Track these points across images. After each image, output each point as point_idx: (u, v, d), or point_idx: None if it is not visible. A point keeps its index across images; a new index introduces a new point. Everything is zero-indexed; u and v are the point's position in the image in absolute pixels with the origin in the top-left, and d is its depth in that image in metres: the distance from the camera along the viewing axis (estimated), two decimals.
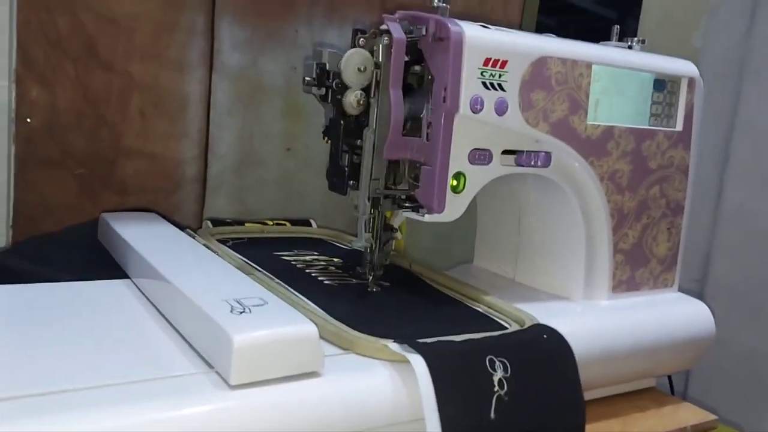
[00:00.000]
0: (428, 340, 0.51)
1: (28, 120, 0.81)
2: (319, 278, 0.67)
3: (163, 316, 0.56)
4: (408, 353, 0.49)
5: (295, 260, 0.72)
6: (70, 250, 0.75)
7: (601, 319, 0.66)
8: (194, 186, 0.92)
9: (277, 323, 0.47)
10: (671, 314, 0.69)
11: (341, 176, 0.62)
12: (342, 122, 0.62)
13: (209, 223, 0.83)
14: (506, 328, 0.58)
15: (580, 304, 0.68)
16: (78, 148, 0.84)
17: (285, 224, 0.86)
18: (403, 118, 0.60)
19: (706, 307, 0.71)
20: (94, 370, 0.46)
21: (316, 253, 0.76)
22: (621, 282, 0.69)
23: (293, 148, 0.96)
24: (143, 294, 0.61)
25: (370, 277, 0.66)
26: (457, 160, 0.59)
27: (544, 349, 0.54)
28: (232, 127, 0.92)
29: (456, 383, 0.48)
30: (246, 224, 0.84)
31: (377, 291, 0.65)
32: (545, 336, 0.55)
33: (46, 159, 0.82)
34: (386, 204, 0.63)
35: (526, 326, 0.57)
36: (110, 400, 0.42)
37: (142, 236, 0.66)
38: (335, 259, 0.74)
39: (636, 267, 0.70)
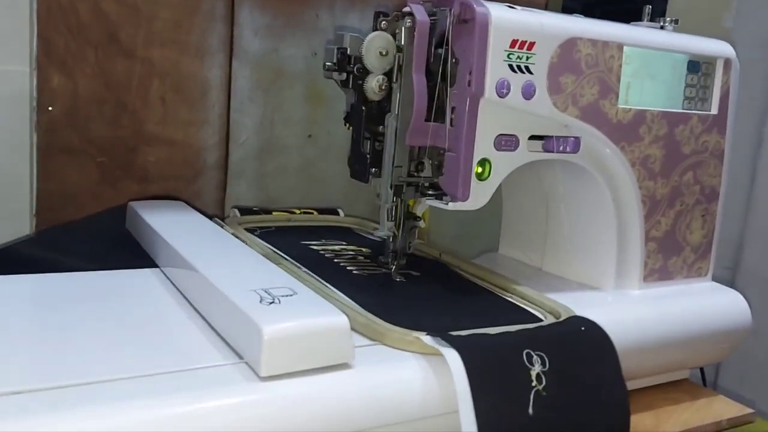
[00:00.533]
0: (462, 333, 0.49)
1: (50, 108, 0.80)
2: (348, 268, 0.65)
3: (192, 306, 0.55)
4: (441, 347, 0.47)
5: (323, 250, 0.71)
6: (94, 238, 0.74)
7: (632, 309, 0.63)
8: (215, 173, 0.91)
9: (308, 314, 0.46)
10: (705, 304, 0.67)
11: (363, 163, 0.60)
12: (363, 108, 0.60)
13: (237, 212, 0.82)
14: (541, 321, 0.55)
15: (611, 294, 0.65)
16: (99, 136, 0.83)
17: (312, 213, 0.85)
18: (427, 103, 0.58)
19: (742, 297, 0.68)
20: (121, 361, 0.45)
21: (344, 242, 0.75)
22: (653, 271, 0.67)
23: (315, 135, 0.95)
24: (172, 283, 0.60)
25: (393, 267, 0.64)
26: (482, 147, 0.57)
27: (583, 342, 0.52)
28: (253, 114, 0.91)
29: (492, 378, 0.46)
30: (273, 213, 0.83)
31: (406, 281, 0.64)
32: (583, 328, 0.53)
33: (67, 147, 0.81)
34: (409, 192, 0.61)
35: (561, 318, 0.55)
36: (137, 393, 0.41)
37: (171, 225, 0.65)
38: (363, 249, 0.73)
39: (669, 255, 0.68)
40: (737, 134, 0.70)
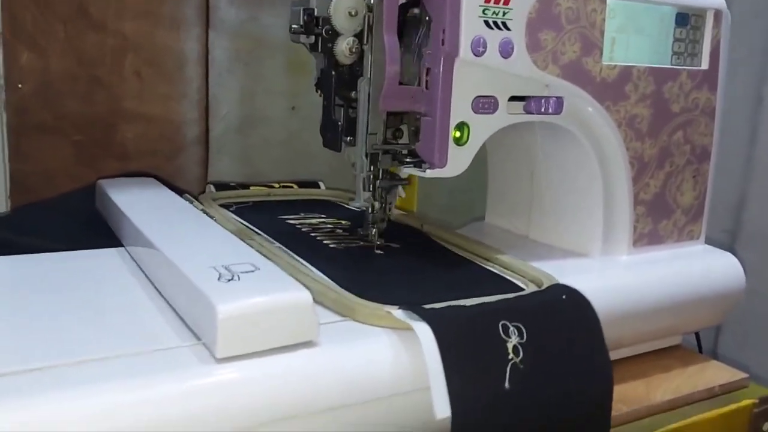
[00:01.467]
0: (435, 306, 0.46)
1: (20, 86, 0.77)
2: (325, 242, 0.63)
3: (154, 286, 0.52)
4: (413, 321, 0.45)
5: (300, 224, 0.68)
6: (67, 218, 0.72)
7: (620, 275, 0.60)
8: (197, 148, 0.88)
9: (267, 290, 0.43)
10: (697, 268, 0.64)
11: (335, 131, 0.57)
12: (334, 73, 0.57)
13: (212, 188, 0.79)
14: (522, 290, 0.53)
15: (599, 260, 0.63)
16: (74, 114, 0.80)
17: (292, 187, 0.82)
18: (400, 66, 0.55)
19: (735, 259, 0.66)
20: (77, 345, 0.42)
21: (323, 215, 0.72)
22: (642, 235, 0.64)
23: (298, 107, 0.92)
24: (136, 263, 0.57)
25: (374, 238, 0.62)
26: (460, 110, 0.54)
27: (564, 311, 0.49)
28: (232, 86, 0.88)
29: (465, 352, 0.43)
30: (251, 188, 0.80)
31: (385, 254, 0.61)
32: (564, 297, 0.50)
33: (41, 126, 0.79)
34: (385, 160, 0.58)
35: (543, 287, 0.52)
36: (88, 378, 0.39)
37: (136, 202, 0.63)
38: (342, 222, 0.70)
39: (659, 219, 0.65)
40: (735, 91, 0.66)
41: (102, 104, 0.81)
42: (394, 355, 0.45)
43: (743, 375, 0.62)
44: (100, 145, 0.83)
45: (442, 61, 0.53)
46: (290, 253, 0.58)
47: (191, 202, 0.67)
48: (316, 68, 0.59)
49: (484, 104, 0.55)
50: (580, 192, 0.63)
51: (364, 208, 0.60)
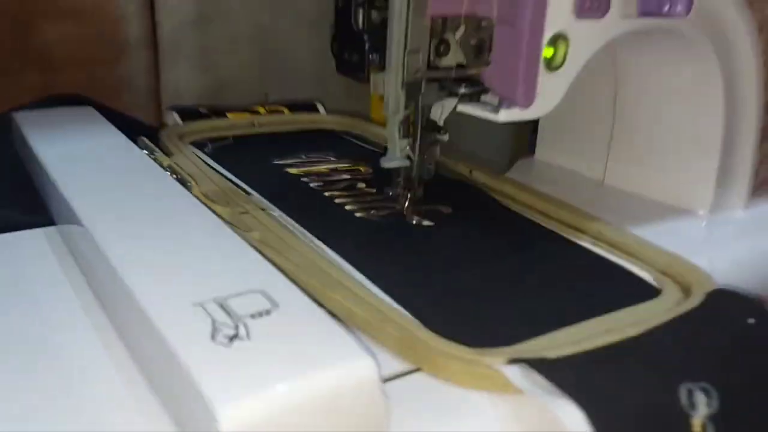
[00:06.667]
0: (563, 353, 0.27)
1: None
2: (347, 207, 0.41)
3: (102, 306, 0.31)
4: (537, 387, 0.25)
5: (306, 174, 0.47)
6: None
7: (740, 242, 0.42)
8: (143, 52, 0.64)
9: (301, 364, 0.23)
10: None
11: (358, 49, 0.35)
12: None
13: (177, 116, 0.54)
14: (655, 290, 0.34)
15: (707, 219, 0.43)
16: None
17: (282, 111, 0.58)
18: None
19: None
20: None
21: (332, 158, 0.50)
22: (765, 181, 0.45)
23: None
24: (72, 256, 0.36)
25: (405, 203, 0.41)
26: (557, 14, 0.32)
27: (762, 349, 0.29)
28: None
29: None
30: (229, 115, 0.56)
31: (436, 226, 0.40)
32: (752, 321, 0.30)
33: None
34: (430, 92, 0.36)
35: (694, 292, 0.32)
36: None
37: (69, 159, 0.39)
38: (361, 168, 0.48)
39: None
40: None
41: None
42: None
43: None
44: (15, 51, 0.59)
45: None
46: (303, 232, 0.37)
47: (151, 153, 0.44)
48: None
49: (592, 4, 0.33)
50: (691, 123, 0.43)
51: (401, 167, 0.38)
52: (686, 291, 0.34)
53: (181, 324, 0.24)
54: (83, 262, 0.34)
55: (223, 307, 0.25)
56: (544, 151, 0.52)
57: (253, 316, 0.25)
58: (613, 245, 0.38)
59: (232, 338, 0.24)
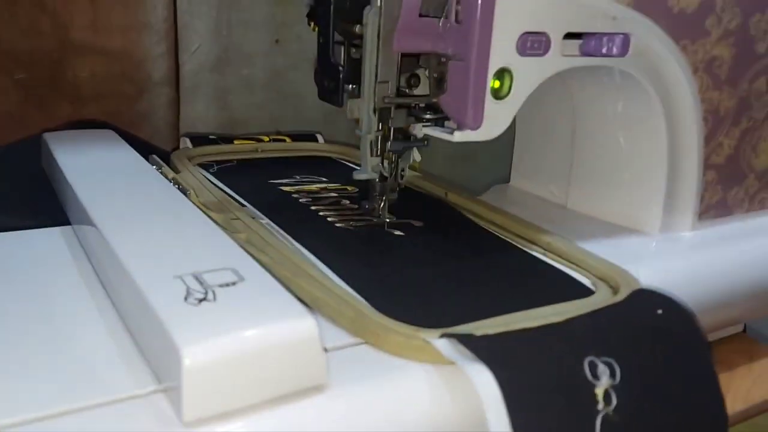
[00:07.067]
0: (489, 332, 0.31)
1: None
2: (329, 218, 0.47)
3: (106, 290, 0.37)
4: (464, 358, 0.30)
5: (297, 192, 0.52)
6: (7, 180, 0.55)
7: (687, 258, 0.46)
8: (164, 89, 0.71)
9: (254, 318, 0.28)
10: None
11: (335, 78, 0.41)
12: None
13: (188, 141, 0.62)
14: (590, 292, 0.38)
15: (658, 238, 0.48)
16: (14, 45, 0.63)
17: (285, 140, 0.65)
18: None
19: None
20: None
21: (324, 179, 0.56)
22: (709, 206, 0.49)
23: (282, 40, 0.74)
24: (85, 252, 0.41)
25: (380, 215, 0.46)
26: (501, 51, 0.38)
27: (662, 335, 0.34)
28: (205, 15, 0.70)
29: (540, 406, 0.29)
30: (235, 142, 0.63)
31: (406, 236, 0.45)
32: (660, 311, 0.35)
33: None
34: (399, 116, 0.42)
35: (621, 291, 0.37)
36: None
37: (85, 169, 0.45)
38: (349, 188, 0.53)
39: (729, 186, 0.50)
40: None
41: (48, 35, 0.64)
42: (436, 405, 0.30)
43: None
44: (49, 85, 0.66)
45: None
46: (286, 236, 0.42)
47: (159, 168, 0.50)
48: None
49: (533, 43, 0.39)
50: (639, 154, 0.48)
51: (372, 178, 0.44)
52: (615, 291, 0.38)
53: (162, 290, 0.30)
54: (92, 255, 0.39)
55: (197, 278, 0.30)
56: (516, 178, 0.57)
57: (221, 286, 0.30)
58: (559, 254, 0.42)
59: (201, 300, 0.29)
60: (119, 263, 0.32)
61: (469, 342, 0.30)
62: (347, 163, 0.62)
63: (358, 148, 0.66)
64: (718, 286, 0.45)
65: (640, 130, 0.47)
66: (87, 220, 0.38)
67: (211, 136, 0.63)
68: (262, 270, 0.32)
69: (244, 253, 0.34)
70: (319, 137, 0.66)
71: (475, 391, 0.29)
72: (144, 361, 0.30)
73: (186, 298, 0.29)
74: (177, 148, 0.66)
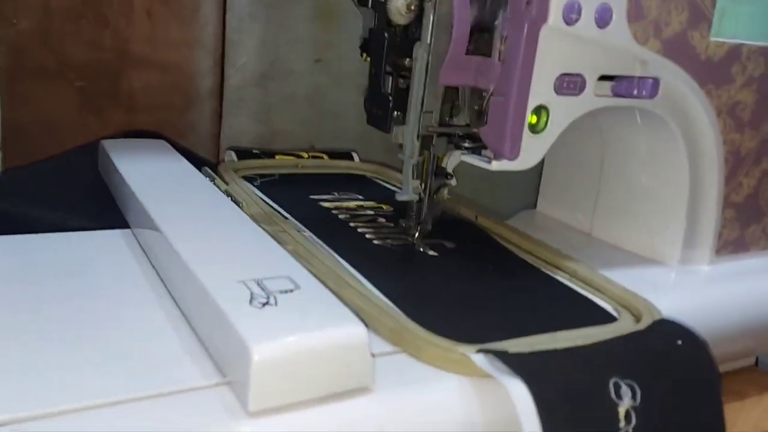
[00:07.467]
0: (521, 350, 0.34)
1: (14, 21, 0.64)
2: (367, 236, 0.50)
3: (167, 288, 0.40)
4: (499, 372, 0.33)
5: (336, 207, 0.56)
6: (67, 183, 0.59)
7: (703, 291, 0.49)
8: (210, 101, 0.75)
9: (314, 322, 0.31)
10: None
11: (384, 107, 0.44)
12: (386, 34, 0.43)
13: (233, 155, 0.65)
14: (613, 318, 0.41)
15: (676, 270, 0.51)
16: (77, 57, 0.67)
17: (323, 157, 0.68)
18: (469, 30, 0.41)
19: None
20: (61, 381, 0.31)
21: (360, 196, 0.59)
22: (728, 243, 0.52)
23: (324, 60, 0.78)
24: (143, 251, 0.45)
25: (416, 235, 0.49)
26: (540, 90, 0.41)
27: (680, 363, 0.36)
28: (252, 33, 0.74)
29: (569, 419, 0.32)
30: (277, 157, 0.67)
31: (439, 255, 0.48)
32: (680, 342, 0.37)
33: (39, 69, 0.65)
34: (440, 144, 0.45)
35: (643, 320, 0.39)
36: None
37: (146, 178, 0.49)
38: (384, 207, 0.57)
39: (747, 224, 0.52)
40: None
41: (108, 48, 0.68)
42: (469, 414, 0.33)
43: None
44: (106, 94, 0.70)
45: (525, 29, 0.39)
46: (328, 249, 0.45)
47: (212, 179, 0.54)
48: (363, 27, 0.46)
49: (570, 84, 0.42)
50: (662, 189, 0.50)
51: (411, 201, 0.47)
52: (638, 319, 0.41)
53: (228, 294, 0.33)
54: (154, 257, 0.43)
55: (259, 284, 0.34)
56: (543, 204, 0.60)
57: (281, 292, 0.33)
58: (583, 281, 0.45)
59: (264, 304, 0.32)
60: (186, 267, 0.36)
61: (505, 358, 0.33)
62: (381, 182, 0.65)
63: (391, 167, 0.70)
64: (732, 319, 0.48)
65: (664, 167, 0.50)
66: (151, 225, 0.42)
67: (254, 150, 0.66)
68: (315, 279, 0.35)
69: (297, 263, 0.37)
70: (355, 155, 0.69)
71: (505, 403, 0.31)
72: (207, 356, 0.33)
73: (251, 302, 0.32)
74: (218, 158, 0.70)
